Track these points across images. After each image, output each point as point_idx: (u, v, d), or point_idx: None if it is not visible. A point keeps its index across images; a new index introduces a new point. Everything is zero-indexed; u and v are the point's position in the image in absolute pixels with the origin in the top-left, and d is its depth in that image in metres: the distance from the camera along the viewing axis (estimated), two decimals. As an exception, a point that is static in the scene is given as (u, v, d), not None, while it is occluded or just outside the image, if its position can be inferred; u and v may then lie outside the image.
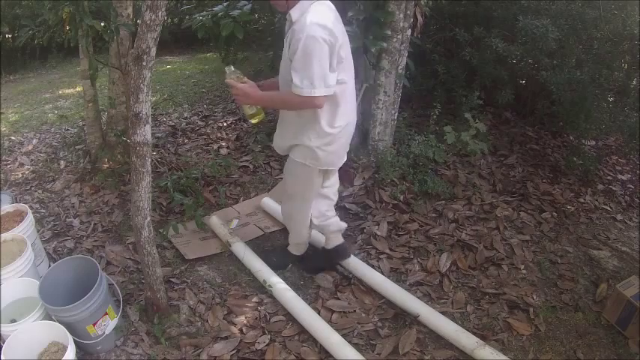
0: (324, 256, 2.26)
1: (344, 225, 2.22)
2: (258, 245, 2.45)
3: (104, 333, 1.77)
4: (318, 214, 2.10)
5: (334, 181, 2.12)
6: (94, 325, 1.73)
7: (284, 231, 2.43)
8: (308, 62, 1.60)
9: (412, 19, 2.78)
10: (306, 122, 1.79)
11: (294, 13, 1.67)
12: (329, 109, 1.76)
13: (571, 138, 3.50)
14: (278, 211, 2.60)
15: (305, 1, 1.67)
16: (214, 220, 2.51)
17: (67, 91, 5.42)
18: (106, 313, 1.77)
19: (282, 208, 2.20)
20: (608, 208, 2.88)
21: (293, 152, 1.90)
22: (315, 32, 1.58)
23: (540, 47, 2.74)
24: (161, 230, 2.49)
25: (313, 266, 2.27)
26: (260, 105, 1.85)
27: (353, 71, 1.85)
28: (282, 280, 2.10)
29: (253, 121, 1.92)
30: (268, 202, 2.69)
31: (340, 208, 2.61)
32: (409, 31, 2.80)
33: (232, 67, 1.83)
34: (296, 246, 2.26)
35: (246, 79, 1.80)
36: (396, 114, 3.06)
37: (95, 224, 2.63)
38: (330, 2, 1.75)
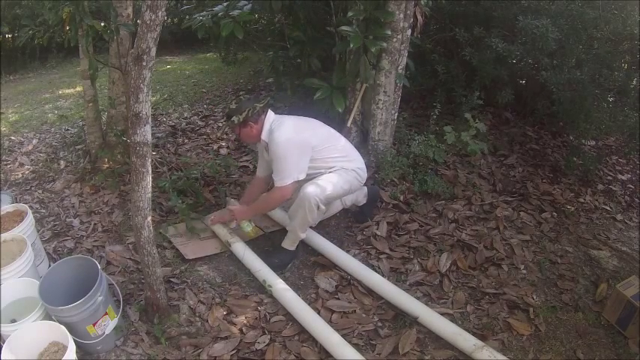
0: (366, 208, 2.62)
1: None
2: (258, 245, 2.45)
3: (104, 333, 1.77)
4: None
5: None
6: (94, 325, 1.73)
7: (284, 231, 2.43)
8: (282, 162, 2.12)
9: (412, 19, 2.78)
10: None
11: (264, 136, 2.21)
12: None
13: (571, 138, 3.50)
14: (275, 211, 2.60)
15: (267, 123, 2.21)
16: None
17: (67, 91, 5.42)
18: (106, 313, 1.77)
19: (301, 204, 2.17)
20: (608, 208, 2.88)
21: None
22: (285, 138, 2.12)
23: (540, 47, 2.74)
24: (161, 231, 2.49)
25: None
26: (251, 214, 2.36)
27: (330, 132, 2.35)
28: (282, 281, 2.10)
29: (253, 236, 2.43)
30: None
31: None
32: (409, 31, 2.80)
33: (231, 200, 2.49)
34: (292, 241, 2.30)
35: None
36: (396, 114, 3.06)
37: (95, 224, 2.63)
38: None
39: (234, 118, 2.17)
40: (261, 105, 2.21)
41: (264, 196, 2.33)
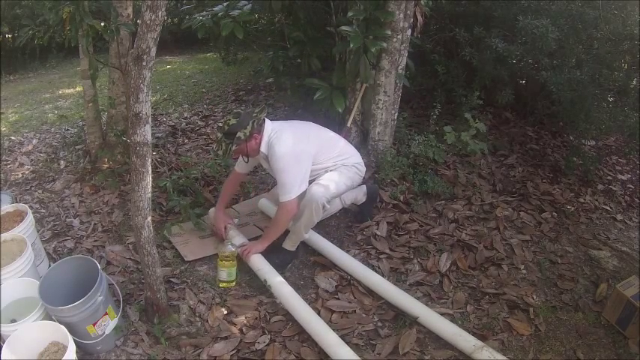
0: (365, 207, 2.60)
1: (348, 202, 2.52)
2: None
3: (104, 333, 1.77)
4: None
5: None
6: (94, 325, 1.73)
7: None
8: (285, 176, 2.07)
9: (412, 19, 2.78)
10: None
11: (263, 148, 2.15)
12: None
13: (571, 138, 3.50)
14: (274, 211, 2.60)
15: (265, 134, 2.13)
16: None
17: (67, 91, 5.43)
18: (106, 313, 1.77)
19: (306, 204, 2.17)
20: (608, 208, 2.88)
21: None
22: (286, 152, 2.07)
23: (540, 47, 2.73)
24: (165, 232, 2.49)
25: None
26: (269, 239, 2.22)
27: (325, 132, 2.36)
28: (283, 280, 2.10)
29: (227, 285, 2.18)
30: (265, 202, 2.69)
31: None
32: (409, 31, 2.81)
33: (231, 245, 2.19)
34: (293, 242, 2.30)
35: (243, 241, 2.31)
36: (396, 114, 3.06)
37: (95, 224, 2.63)
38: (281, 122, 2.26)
39: (240, 134, 2.06)
40: (262, 115, 2.15)
41: (274, 220, 2.24)
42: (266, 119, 2.20)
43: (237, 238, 2.34)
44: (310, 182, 2.21)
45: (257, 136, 2.13)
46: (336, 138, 2.39)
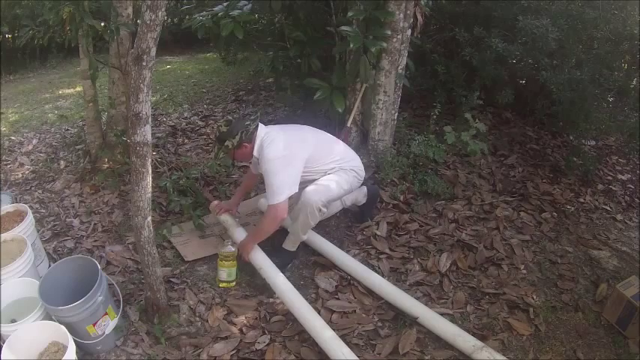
0: (366, 208, 2.60)
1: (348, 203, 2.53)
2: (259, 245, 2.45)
3: (104, 333, 1.78)
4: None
5: None
6: (94, 325, 1.73)
7: (283, 231, 2.43)
8: (273, 179, 2.04)
9: (412, 19, 2.78)
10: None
11: (255, 152, 2.16)
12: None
13: (571, 138, 3.50)
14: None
15: (257, 139, 2.14)
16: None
17: (67, 91, 5.43)
18: (106, 313, 1.77)
19: (303, 207, 2.17)
20: (608, 208, 2.88)
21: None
22: (275, 156, 2.06)
23: (540, 47, 2.74)
24: (160, 232, 2.49)
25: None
26: (254, 241, 2.19)
27: (322, 136, 2.35)
28: (283, 276, 2.09)
29: (227, 285, 2.20)
30: (265, 202, 2.68)
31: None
32: (409, 31, 2.81)
33: (231, 245, 2.21)
34: (293, 243, 2.30)
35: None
36: (396, 114, 3.06)
37: (95, 224, 2.63)
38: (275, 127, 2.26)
39: (228, 143, 2.11)
40: (254, 125, 2.15)
41: (260, 222, 2.23)
42: (260, 125, 2.19)
43: (230, 224, 2.37)
44: (308, 185, 2.21)
45: (247, 145, 2.14)
46: (334, 141, 2.38)
